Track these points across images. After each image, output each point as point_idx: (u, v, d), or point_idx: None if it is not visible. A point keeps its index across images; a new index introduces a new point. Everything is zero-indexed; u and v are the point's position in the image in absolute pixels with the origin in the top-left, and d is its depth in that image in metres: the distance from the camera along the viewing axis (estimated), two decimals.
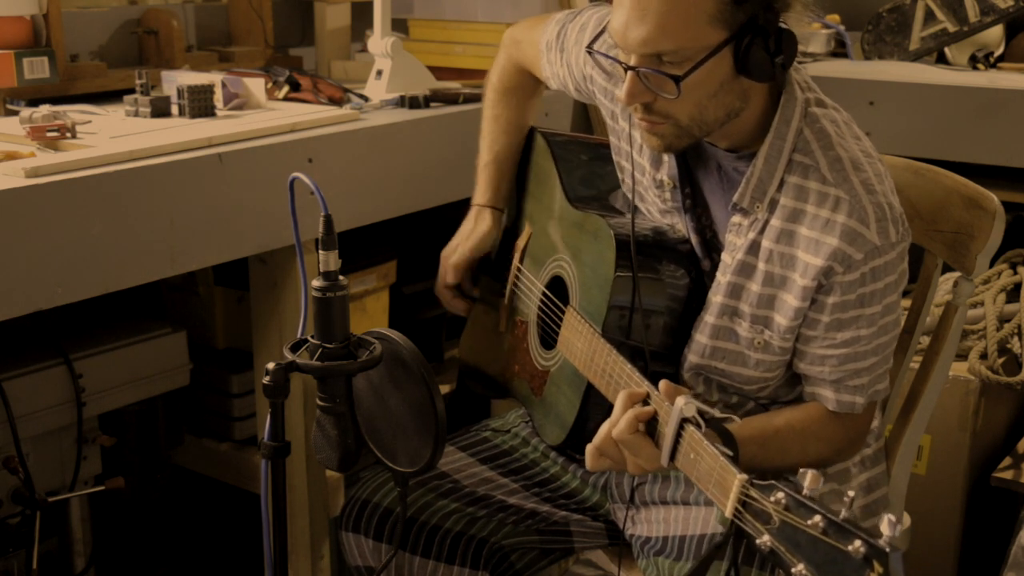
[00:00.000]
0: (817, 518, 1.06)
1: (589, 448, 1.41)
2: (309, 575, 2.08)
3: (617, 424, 1.36)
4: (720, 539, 1.27)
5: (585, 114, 2.50)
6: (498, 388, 1.87)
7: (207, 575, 2.47)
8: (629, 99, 1.40)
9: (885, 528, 1.00)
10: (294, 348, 1.31)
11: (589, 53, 1.52)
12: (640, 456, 1.35)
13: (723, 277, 1.50)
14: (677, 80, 1.36)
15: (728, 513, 1.18)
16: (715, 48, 1.36)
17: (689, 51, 1.35)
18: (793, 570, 1.07)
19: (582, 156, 1.81)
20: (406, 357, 1.32)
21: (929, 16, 2.66)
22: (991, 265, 2.31)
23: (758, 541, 1.12)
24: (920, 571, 2.31)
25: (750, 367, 1.51)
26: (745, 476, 1.17)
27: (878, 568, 1.00)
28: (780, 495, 1.11)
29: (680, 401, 1.30)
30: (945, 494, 2.28)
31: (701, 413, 1.29)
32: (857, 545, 1.01)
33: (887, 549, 0.99)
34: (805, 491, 1.09)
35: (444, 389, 2.39)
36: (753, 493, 1.15)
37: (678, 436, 1.30)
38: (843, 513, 1.05)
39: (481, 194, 1.88)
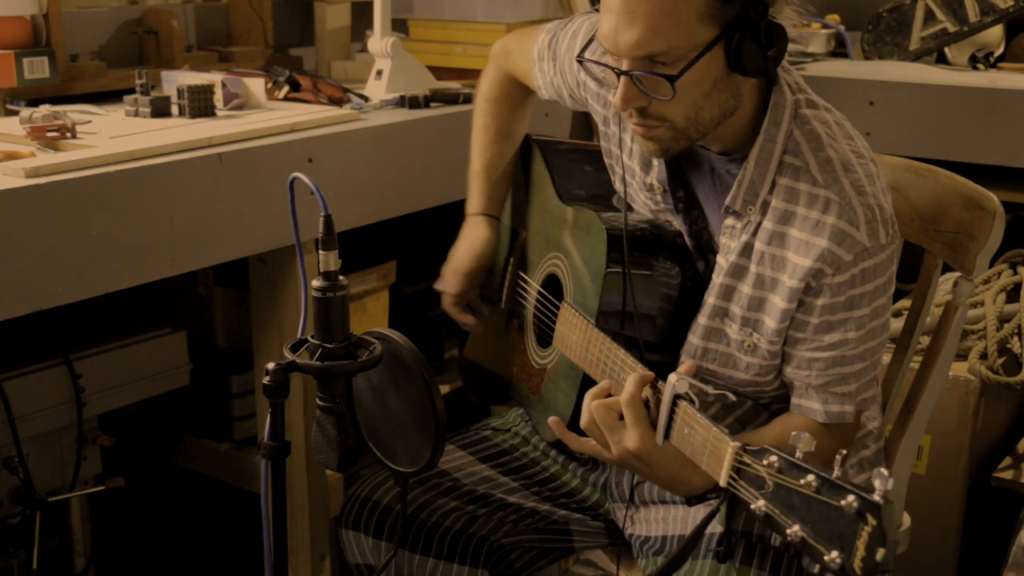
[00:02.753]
0: (810, 477, 1.07)
1: (569, 432, 1.42)
2: (309, 575, 2.08)
3: (625, 390, 1.36)
4: (713, 507, 1.27)
5: (585, 115, 2.50)
6: (500, 391, 1.87)
7: (207, 575, 2.47)
8: (623, 104, 1.39)
9: (877, 482, 1.01)
10: (294, 348, 1.31)
11: (579, 62, 1.51)
12: (630, 434, 1.35)
13: (717, 279, 1.50)
14: (672, 80, 1.35)
15: (723, 481, 1.19)
16: (707, 46, 1.35)
17: (681, 50, 1.34)
18: (789, 532, 1.07)
19: (575, 160, 1.81)
20: (406, 357, 1.32)
21: (929, 16, 2.66)
22: (991, 265, 2.31)
23: (753, 506, 1.13)
24: (920, 571, 2.31)
25: (740, 370, 1.51)
26: (739, 443, 1.17)
27: (872, 521, 1.00)
28: (773, 458, 1.12)
29: (672, 378, 1.30)
30: (945, 494, 2.28)
31: (695, 391, 1.30)
32: (850, 500, 1.02)
33: (880, 502, 1.00)
34: (798, 454, 1.10)
35: (444, 389, 2.40)
36: (746, 458, 1.15)
37: (672, 413, 1.30)
38: (836, 471, 1.05)
39: (473, 203, 1.88)
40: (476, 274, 1.85)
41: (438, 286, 1.87)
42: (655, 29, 1.33)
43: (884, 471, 1.01)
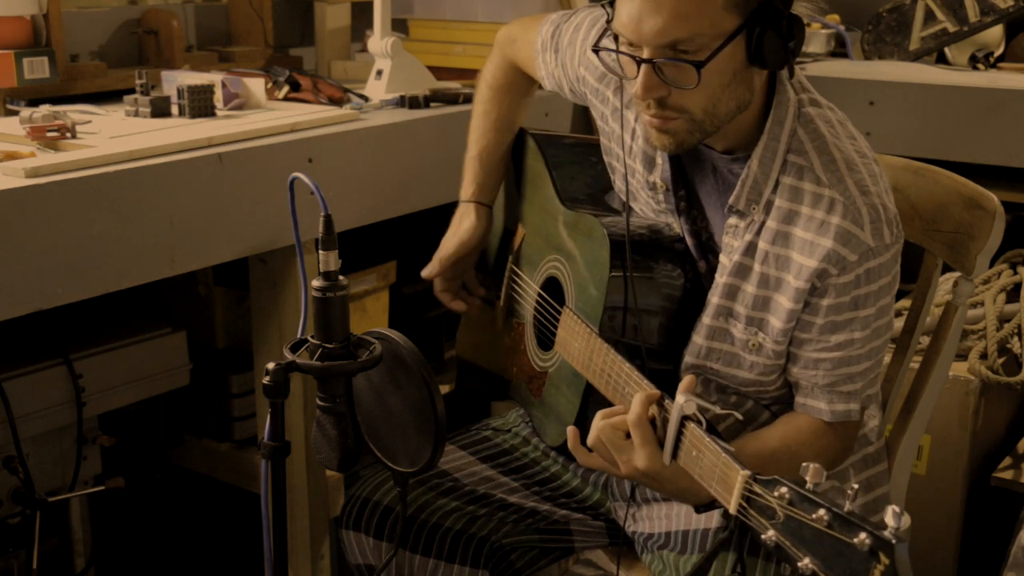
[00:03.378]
0: (822, 512, 1.06)
1: (579, 446, 1.41)
2: (309, 575, 2.08)
3: (631, 410, 1.34)
4: (724, 535, 1.26)
5: (585, 113, 2.50)
6: (496, 388, 1.87)
7: (207, 575, 2.47)
8: (645, 93, 1.37)
9: (890, 519, 1.00)
10: (294, 348, 1.31)
11: (595, 52, 1.50)
12: (638, 454, 1.34)
13: (720, 278, 1.50)
14: (699, 67, 1.34)
15: (732, 509, 1.18)
16: (731, 34, 1.34)
17: (705, 38, 1.34)
18: (799, 564, 1.07)
19: (574, 156, 1.80)
20: (406, 357, 1.32)
21: (929, 16, 2.66)
22: (991, 265, 2.31)
23: (763, 536, 1.12)
24: (920, 571, 2.31)
25: (745, 369, 1.50)
26: (748, 472, 1.16)
27: (884, 560, 0.99)
28: (783, 490, 1.10)
29: (680, 399, 1.29)
30: (945, 494, 2.27)
31: (702, 410, 1.29)
32: (863, 537, 1.01)
33: (893, 541, 0.99)
34: (808, 485, 1.09)
35: (444, 389, 2.40)
36: (757, 488, 1.14)
37: (679, 434, 1.30)
38: (847, 506, 1.05)
39: (465, 189, 1.87)
40: (459, 261, 1.85)
41: (424, 272, 1.87)
42: (680, 16, 1.32)
43: (896, 508, 1.00)
